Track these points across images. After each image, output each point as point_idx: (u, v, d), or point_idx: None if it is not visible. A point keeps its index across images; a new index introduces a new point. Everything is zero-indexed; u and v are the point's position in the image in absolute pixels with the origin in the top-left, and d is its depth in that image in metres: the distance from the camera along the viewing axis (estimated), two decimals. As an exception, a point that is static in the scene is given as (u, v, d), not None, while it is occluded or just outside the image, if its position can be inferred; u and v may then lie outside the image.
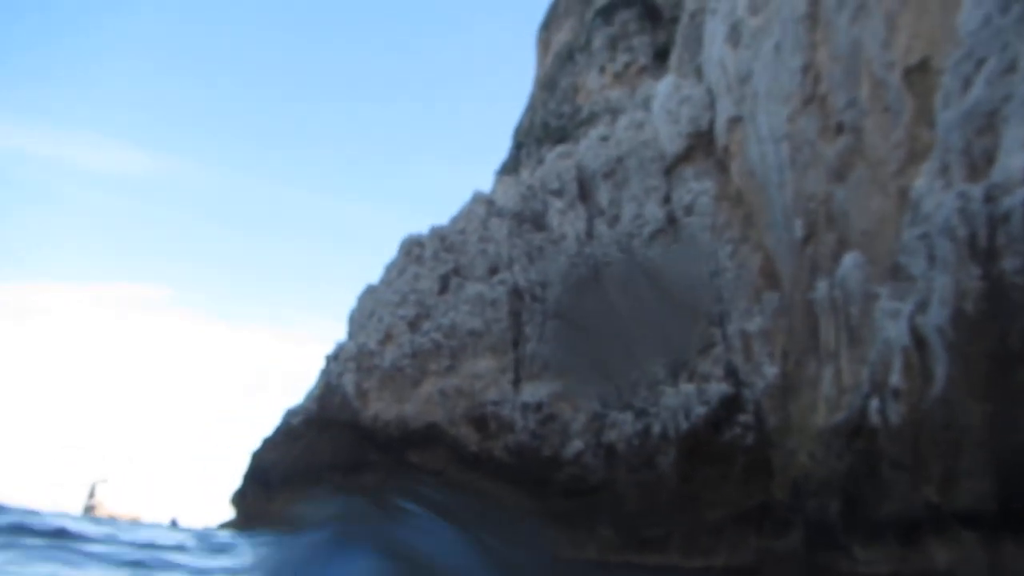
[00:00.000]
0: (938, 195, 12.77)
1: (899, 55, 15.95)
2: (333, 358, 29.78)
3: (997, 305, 10.69)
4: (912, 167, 14.63)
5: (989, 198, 11.18)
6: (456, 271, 28.61)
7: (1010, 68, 11.71)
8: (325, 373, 29.77)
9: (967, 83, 12.58)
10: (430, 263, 29.47)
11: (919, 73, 15.28)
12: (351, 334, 30.70)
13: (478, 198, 30.38)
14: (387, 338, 28.15)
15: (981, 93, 12.38)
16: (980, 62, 12.38)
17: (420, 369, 26.63)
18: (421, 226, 31.98)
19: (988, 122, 12.13)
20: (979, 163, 12.13)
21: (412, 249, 30.67)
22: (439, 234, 30.17)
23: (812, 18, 18.75)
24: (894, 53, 16.01)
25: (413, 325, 27.90)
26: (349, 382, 27.94)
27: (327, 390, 28.73)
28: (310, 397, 29.99)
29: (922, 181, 13.58)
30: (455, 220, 30.62)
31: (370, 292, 31.30)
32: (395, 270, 30.77)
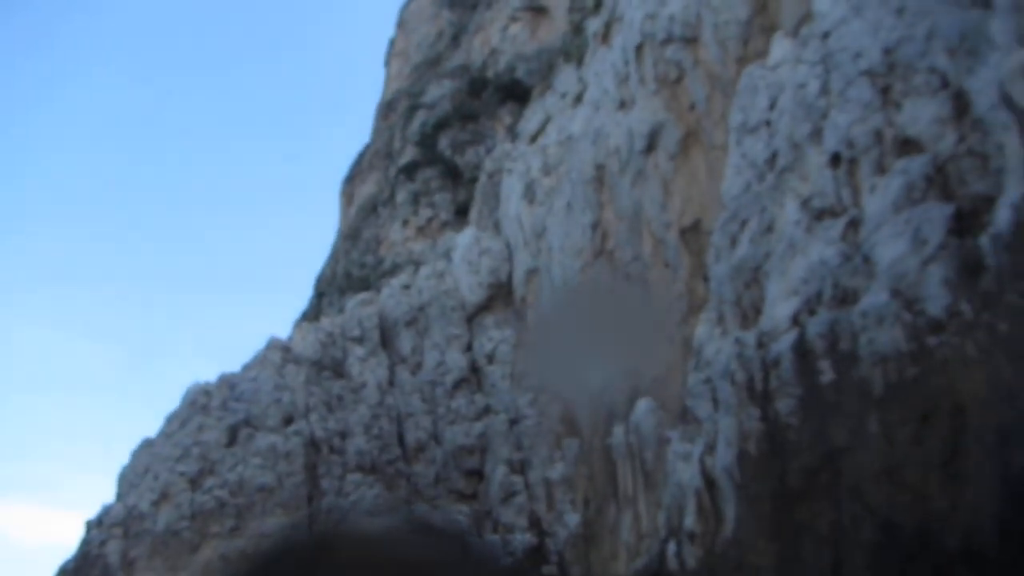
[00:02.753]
0: (717, 342, 13.67)
1: (675, 216, 17.41)
2: (96, 524, 26.34)
3: (776, 445, 11.34)
4: (693, 317, 15.67)
5: (761, 344, 12.09)
6: (247, 421, 26.90)
7: (768, 229, 13.02)
8: (85, 542, 26.18)
9: (733, 241, 13.83)
10: (217, 413, 27.53)
11: (692, 233, 16.69)
12: (120, 495, 27.51)
13: (274, 344, 29.21)
14: (163, 498, 25.50)
15: (746, 251, 13.63)
16: (743, 223, 13.70)
17: (200, 532, 24.24)
18: (208, 375, 30.10)
19: (754, 276, 13.31)
20: (749, 312, 13.18)
21: (198, 398, 28.58)
22: (228, 382, 28.44)
23: (599, 180, 20.23)
24: (670, 215, 17.46)
25: (195, 482, 25.59)
26: (113, 551, 24.78)
27: (84, 562, 25.23)
28: (63, 572, 26.11)
29: (702, 329, 14.53)
30: (247, 367, 29.08)
31: (146, 446, 28.48)
32: (177, 421, 28.40)
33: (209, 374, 32.75)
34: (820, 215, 11.52)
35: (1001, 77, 8.35)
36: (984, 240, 8.53)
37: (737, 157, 14.22)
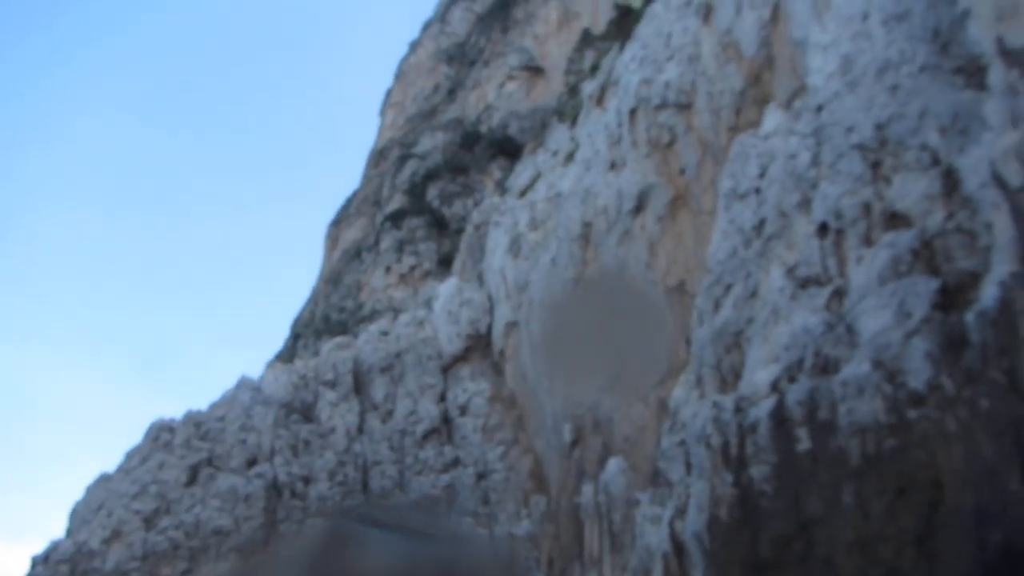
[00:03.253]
0: (694, 405, 13.51)
1: (659, 277, 17.41)
2: (42, 560, 25.30)
3: (748, 512, 11.11)
4: (670, 379, 15.52)
5: (739, 409, 11.94)
6: (210, 461, 26.22)
7: (752, 294, 13.00)
8: (29, 582, 25.00)
9: (717, 305, 13.80)
10: (180, 451, 26.81)
11: (676, 294, 16.66)
12: (70, 531, 26.53)
13: (244, 384, 28.67)
14: (114, 536, 24.56)
15: (729, 315, 13.58)
16: (728, 287, 13.69)
17: (150, 574, 23.37)
18: (176, 412, 29.40)
19: (735, 340, 13.23)
20: (728, 377, 13.06)
21: (160, 435, 27.82)
22: (194, 420, 27.78)
23: (585, 238, 20.27)
24: (655, 275, 17.46)
25: (149, 521, 24.75)
26: (59, 589, 23.82)
27: (28, 600, 24.19)
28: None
29: (679, 391, 14.38)
30: (215, 406, 28.46)
31: (103, 482, 27.54)
32: (138, 456, 27.59)
33: (177, 410, 32.02)
34: (805, 283, 11.50)
35: (993, 156, 8.44)
36: (969, 316, 8.50)
37: (725, 222, 14.27)
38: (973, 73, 9.36)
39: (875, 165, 10.94)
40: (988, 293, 8.36)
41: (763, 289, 12.52)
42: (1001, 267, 8.30)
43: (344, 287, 48.23)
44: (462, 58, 63.23)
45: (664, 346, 16.45)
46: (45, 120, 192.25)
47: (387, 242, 46.28)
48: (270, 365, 40.58)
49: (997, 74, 8.61)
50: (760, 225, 13.20)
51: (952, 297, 9.02)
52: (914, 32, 10.95)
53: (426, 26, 72.05)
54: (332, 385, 26.91)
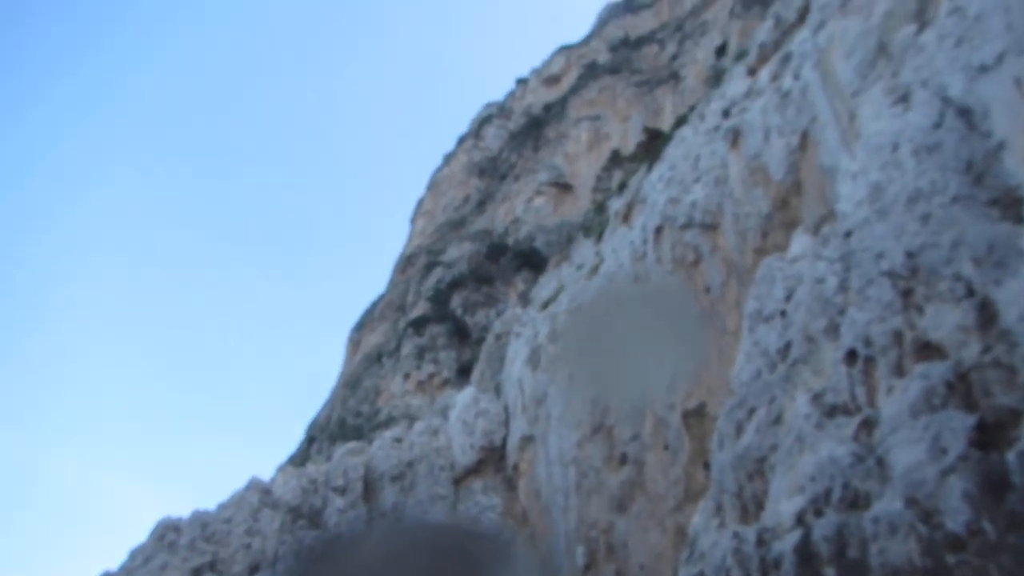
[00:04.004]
0: (713, 534, 12.83)
1: (679, 398, 16.95)
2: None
3: (769, 656, 10.33)
4: (689, 504, 14.86)
5: (761, 541, 11.29)
6: (212, 565, 25.38)
7: (777, 420, 12.52)
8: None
9: (739, 429, 13.30)
10: (184, 552, 26.05)
11: (696, 417, 16.17)
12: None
13: (254, 485, 28.04)
14: (111, 636, 23.74)
15: (751, 440, 13.06)
16: (751, 411, 13.22)
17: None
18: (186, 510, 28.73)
19: (758, 468, 12.66)
20: (750, 506, 12.43)
21: (166, 534, 27.15)
22: (201, 520, 27.11)
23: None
24: (675, 396, 17.01)
25: (147, 623, 23.86)
26: None
27: None
28: None
29: (698, 519, 13.71)
30: (223, 507, 27.80)
31: (103, 579, 26.85)
32: (141, 556, 26.84)
33: (185, 509, 31.32)
34: (832, 411, 11.05)
35: (1032, 288, 8.17)
36: (1011, 456, 8.02)
37: (749, 344, 13.94)
38: (1009, 205, 9.19)
39: (906, 293, 10.65)
40: (1030, 432, 7.91)
41: (788, 415, 12.05)
42: (1043, 405, 7.87)
43: (362, 391, 47.86)
44: (493, 172, 64.72)
45: (681, 469, 15.86)
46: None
47: (408, 348, 46.18)
48: (282, 468, 39.92)
49: (1034, 205, 8.44)
50: (785, 349, 12.85)
51: (991, 434, 8.54)
52: (946, 163, 10.86)
53: (460, 140, 74.25)
54: (342, 491, 26.22)
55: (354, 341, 57.81)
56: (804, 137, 16.51)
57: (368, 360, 51.29)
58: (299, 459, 41.99)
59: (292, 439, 75.20)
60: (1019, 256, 8.72)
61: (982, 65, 10.06)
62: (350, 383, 50.95)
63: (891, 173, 12.36)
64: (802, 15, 21.63)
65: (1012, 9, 9.49)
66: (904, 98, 13.47)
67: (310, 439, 47.63)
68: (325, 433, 45.48)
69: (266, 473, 30.55)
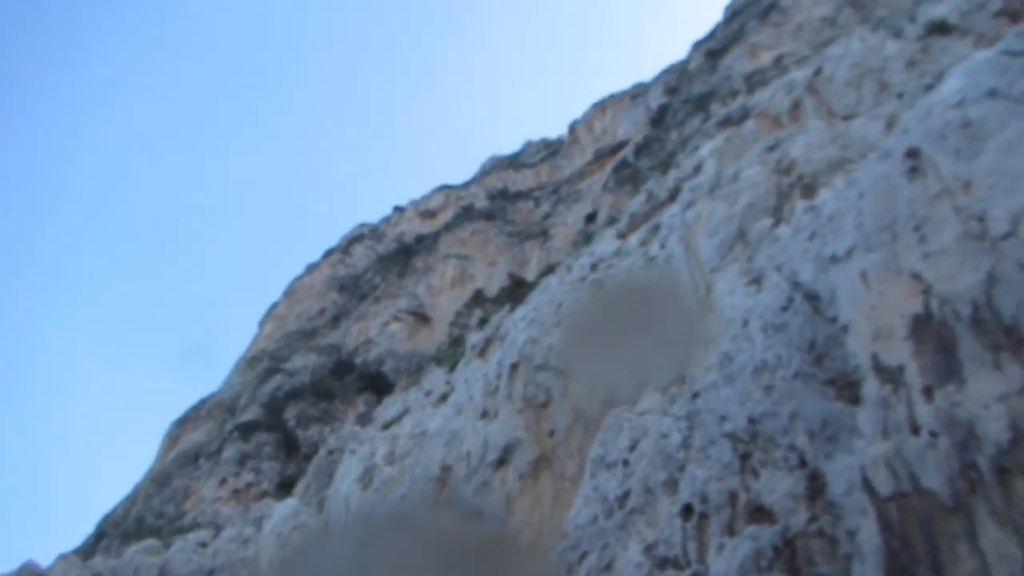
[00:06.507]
0: None
1: (511, 535, 16.63)
2: None
3: None
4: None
5: None
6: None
7: (608, 567, 12.44)
8: None
9: (570, 571, 13.10)
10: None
11: (529, 559, 15.85)
12: None
13: (28, 569, 24.90)
14: None
15: (579, 586, 12.87)
16: (583, 555, 13.10)
17: None
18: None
19: (581, 616, 12.43)
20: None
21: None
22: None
23: (441, 481, 19.51)
24: (508, 532, 16.69)
25: None
26: None
27: None
28: None
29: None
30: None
31: None
32: None
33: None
34: (663, 564, 11.12)
35: (864, 463, 8.69)
36: (826, 622, 8.26)
37: (589, 489, 14.00)
38: (845, 386, 9.91)
39: (744, 456, 11.11)
40: (848, 602, 8.20)
41: (619, 563, 12.01)
42: (863, 576, 8.22)
43: (170, 491, 44.30)
44: (354, 290, 64.16)
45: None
46: None
47: (230, 452, 43.50)
48: (64, 557, 35.79)
49: (871, 387, 9.13)
50: (624, 497, 12.98)
51: (810, 601, 8.81)
52: (791, 341, 11.69)
53: (327, 253, 73.62)
54: (124, 595, 23.63)
55: (173, 436, 53.96)
56: (664, 301, 17.41)
57: (184, 458, 47.82)
58: (85, 553, 37.82)
59: (82, 529, 67.95)
60: (850, 434, 9.33)
61: (833, 256, 11.08)
62: (159, 480, 47.12)
63: (740, 344, 13.15)
64: (672, 195, 23.37)
65: (863, 212, 10.61)
66: (757, 280, 14.58)
67: (100, 534, 43.20)
68: (119, 529, 41.41)
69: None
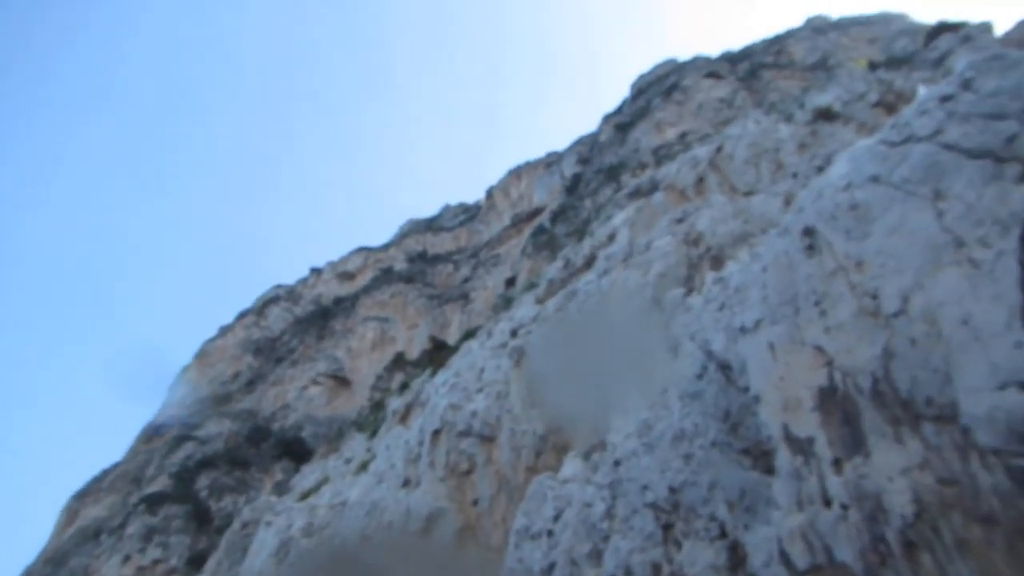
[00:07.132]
0: None
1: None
2: None
3: None
4: None
5: None
6: None
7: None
8: None
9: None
10: None
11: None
12: None
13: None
14: None
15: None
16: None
17: None
18: None
19: None
20: None
21: None
22: None
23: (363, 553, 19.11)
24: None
25: None
26: None
27: None
28: None
29: None
30: None
31: None
32: None
33: None
34: (589, 637, 11.17)
35: (780, 535, 9.00)
36: None
37: (514, 560, 13.99)
38: (759, 456, 10.29)
39: (667, 527, 11.34)
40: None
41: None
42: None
43: (67, 572, 41.88)
44: (271, 353, 62.84)
45: None
46: None
47: (135, 527, 41.51)
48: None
49: (784, 458, 9.51)
50: (549, 569, 13.02)
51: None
52: (707, 410, 12.07)
53: (241, 315, 72.10)
54: None
55: (71, 510, 51.20)
56: (581, 367, 17.73)
57: (83, 535, 45.40)
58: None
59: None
60: (767, 505, 9.66)
61: (742, 327, 11.57)
62: (54, 559, 44.51)
63: (659, 412, 13.49)
64: (588, 262, 23.99)
65: (767, 285, 11.16)
66: (673, 348, 15.04)
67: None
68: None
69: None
